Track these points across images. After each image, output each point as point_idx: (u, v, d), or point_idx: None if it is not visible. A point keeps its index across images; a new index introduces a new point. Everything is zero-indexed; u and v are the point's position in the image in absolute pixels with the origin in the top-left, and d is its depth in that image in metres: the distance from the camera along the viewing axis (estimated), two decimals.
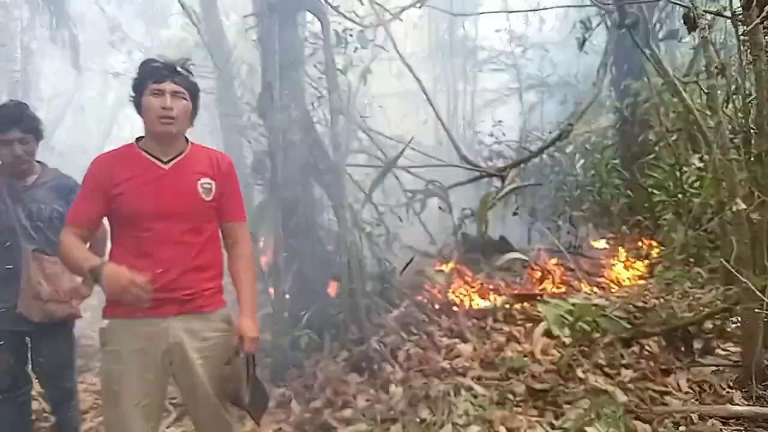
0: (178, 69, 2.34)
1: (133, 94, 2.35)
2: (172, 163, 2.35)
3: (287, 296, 4.93)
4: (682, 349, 4.38)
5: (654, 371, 4.16)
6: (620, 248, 7.45)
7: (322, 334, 4.68)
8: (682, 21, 3.92)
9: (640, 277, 6.77)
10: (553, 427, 3.57)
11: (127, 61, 13.30)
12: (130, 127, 17.68)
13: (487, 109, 14.71)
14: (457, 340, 5.03)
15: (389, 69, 12.50)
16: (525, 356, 4.64)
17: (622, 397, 3.82)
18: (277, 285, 4.87)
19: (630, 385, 4.00)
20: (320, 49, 5.51)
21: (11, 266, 2.99)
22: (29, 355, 3.18)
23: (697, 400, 3.77)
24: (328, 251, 5.17)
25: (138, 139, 2.40)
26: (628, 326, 4.74)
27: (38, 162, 3.17)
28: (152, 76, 2.29)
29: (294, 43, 4.82)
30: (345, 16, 5.21)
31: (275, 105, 4.60)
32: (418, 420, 3.70)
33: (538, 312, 5.65)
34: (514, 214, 7.45)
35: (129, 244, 2.30)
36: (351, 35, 5.80)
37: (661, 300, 5.36)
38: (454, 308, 5.47)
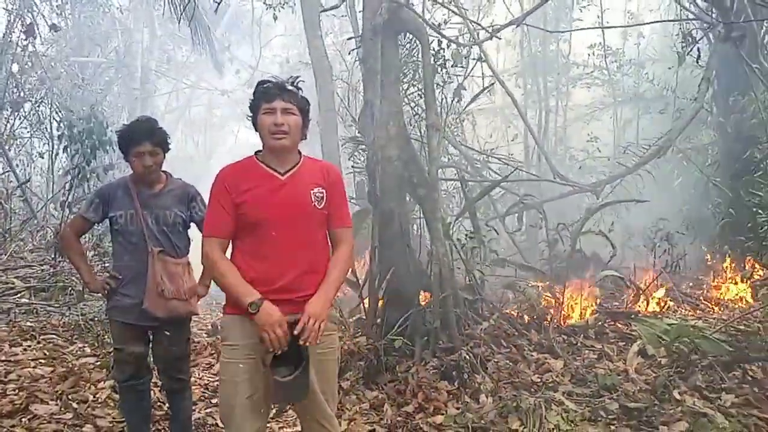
0: (287, 87, 2.54)
1: (250, 114, 2.58)
2: (288, 174, 2.56)
3: (380, 302, 5.11)
4: None
5: (759, 398, 4.01)
6: (721, 269, 7.14)
7: (414, 341, 4.82)
8: None
9: (743, 300, 6.48)
10: None
11: (233, 79, 14.21)
12: (233, 139, 18.88)
13: (579, 125, 14.44)
14: (547, 355, 5.04)
15: (479, 85, 12.59)
16: (618, 374, 4.59)
17: (723, 421, 3.72)
18: (372, 292, 5.09)
19: (732, 410, 3.89)
20: (416, 68, 5.73)
21: (139, 266, 3.30)
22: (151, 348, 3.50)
23: None
24: (420, 262, 5.32)
25: (257, 153, 2.63)
26: (730, 349, 4.58)
27: (164, 172, 3.47)
28: (264, 96, 2.51)
29: (394, 63, 5.04)
30: (444, 36, 5.38)
31: (375, 121, 4.85)
32: (508, 431, 3.77)
33: (631, 331, 5.55)
34: (609, 232, 7.31)
35: (249, 249, 2.51)
36: (444, 53, 5.96)
37: (766, 324, 5.12)
38: (544, 323, 5.47)
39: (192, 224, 3.48)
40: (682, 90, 10.18)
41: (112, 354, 5.20)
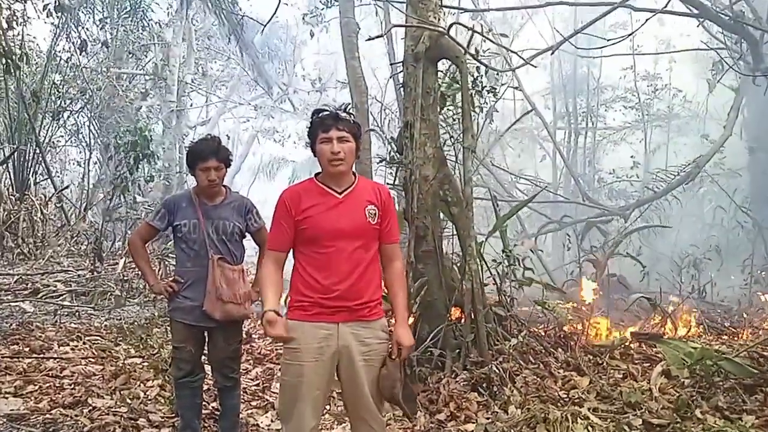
0: (341, 116, 2.78)
1: (308, 140, 2.84)
2: (345, 193, 2.82)
3: (413, 316, 5.32)
4: None
5: None
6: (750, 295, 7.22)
7: (445, 354, 5.03)
8: None
9: None
10: None
11: (264, 95, 14.64)
12: (261, 151, 19.44)
13: (609, 147, 14.54)
14: (573, 372, 5.19)
15: (509, 106, 12.80)
16: (642, 393, 4.71)
17: None
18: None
19: (752, 431, 4.00)
20: (454, 92, 5.99)
21: (200, 271, 3.59)
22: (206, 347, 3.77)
23: None
24: (452, 278, 5.53)
25: (316, 174, 2.89)
26: (754, 371, 4.68)
27: (224, 186, 3.75)
28: (320, 126, 2.76)
29: (433, 88, 5.31)
30: (483, 63, 5.63)
31: (414, 142, 5.10)
32: None
33: (656, 353, 5.67)
34: (638, 255, 7.43)
35: (311, 260, 2.76)
36: (482, 80, 6.21)
37: None
38: (571, 343, 5.62)
39: (247, 234, 3.77)
40: (715, 115, 10.28)
41: (156, 355, 5.55)
